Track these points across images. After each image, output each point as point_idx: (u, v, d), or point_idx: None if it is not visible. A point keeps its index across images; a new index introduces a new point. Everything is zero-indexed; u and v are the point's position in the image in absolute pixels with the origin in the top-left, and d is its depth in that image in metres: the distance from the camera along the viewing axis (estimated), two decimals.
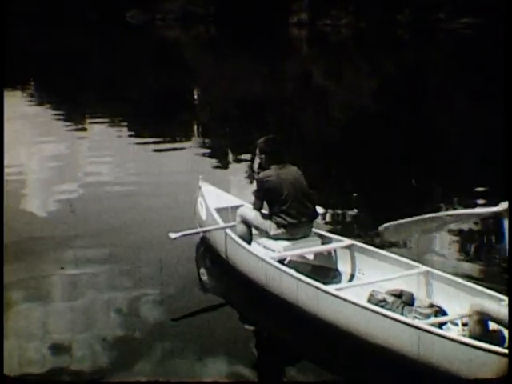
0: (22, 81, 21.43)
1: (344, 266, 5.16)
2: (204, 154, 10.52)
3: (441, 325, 4.09)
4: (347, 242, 5.17)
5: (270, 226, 5.19)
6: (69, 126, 13.18)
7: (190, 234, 5.67)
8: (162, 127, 12.70)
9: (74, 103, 16.54)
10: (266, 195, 5.20)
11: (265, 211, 5.31)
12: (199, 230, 5.86)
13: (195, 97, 18.81)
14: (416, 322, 3.90)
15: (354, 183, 8.69)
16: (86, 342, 4.43)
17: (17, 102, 16.28)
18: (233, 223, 5.50)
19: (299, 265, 5.10)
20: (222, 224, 5.55)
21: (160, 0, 62.61)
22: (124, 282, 5.38)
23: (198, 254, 5.98)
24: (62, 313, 4.95)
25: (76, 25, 54.76)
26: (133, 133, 12.48)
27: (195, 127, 13.77)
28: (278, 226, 5.14)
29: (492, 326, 3.84)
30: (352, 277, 5.03)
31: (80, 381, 4.15)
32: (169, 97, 17.73)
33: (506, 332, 3.75)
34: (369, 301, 4.32)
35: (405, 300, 4.34)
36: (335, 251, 5.22)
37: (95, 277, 5.51)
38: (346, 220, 7.27)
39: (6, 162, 9.66)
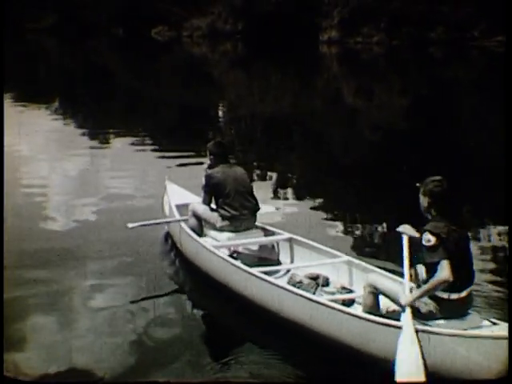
0: (46, 96, 21.82)
1: (284, 257, 5.85)
2: None
3: (349, 304, 4.84)
4: (287, 235, 5.86)
5: (216, 218, 5.94)
6: (92, 140, 13.40)
7: (146, 225, 6.35)
8: (186, 143, 12.83)
9: (99, 119, 16.81)
10: (212, 190, 5.97)
11: (213, 206, 6.05)
12: (154, 221, 6.50)
13: (222, 114, 18.98)
14: (311, 296, 4.64)
15: (382, 202, 8.68)
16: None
17: (41, 117, 16.59)
18: (186, 217, 6.21)
19: (246, 256, 5.80)
20: (178, 217, 6.28)
21: (187, 17, 63.49)
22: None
23: (163, 245, 6.73)
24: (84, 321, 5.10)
25: (102, 41, 55.66)
26: (157, 148, 12.63)
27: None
28: (223, 218, 5.88)
29: (390, 307, 4.56)
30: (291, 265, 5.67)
31: (80, 381, 4.31)
32: (195, 113, 17.92)
33: (405, 315, 4.22)
34: (288, 282, 5.15)
35: (320, 282, 5.18)
36: (277, 243, 5.89)
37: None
38: (373, 237, 7.26)
39: (29, 176, 9.96)
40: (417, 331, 4.05)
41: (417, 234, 4.56)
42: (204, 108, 19.42)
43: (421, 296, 4.22)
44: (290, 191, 9.50)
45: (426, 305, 4.28)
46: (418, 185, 4.56)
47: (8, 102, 20.17)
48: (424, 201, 4.43)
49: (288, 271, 5.49)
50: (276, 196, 9.13)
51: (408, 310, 4.20)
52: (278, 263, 5.82)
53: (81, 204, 8.32)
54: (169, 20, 64.71)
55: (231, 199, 5.87)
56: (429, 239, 4.20)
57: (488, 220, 7.82)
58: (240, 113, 18.62)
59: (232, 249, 5.92)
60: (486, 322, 4.27)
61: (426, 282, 4.25)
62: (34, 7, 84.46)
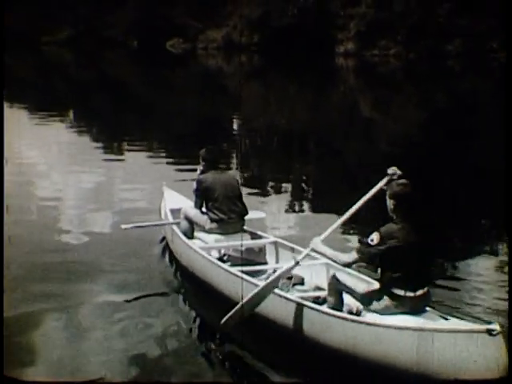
0: (62, 107, 22.04)
1: (270, 259, 6.20)
2: (244, 184, 10.65)
3: (322, 303, 5.07)
4: (273, 238, 6.28)
5: (205, 221, 6.29)
6: (106, 153, 13.52)
7: (140, 227, 6.74)
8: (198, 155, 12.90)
9: (113, 131, 16.95)
10: (202, 194, 6.31)
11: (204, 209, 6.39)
12: (147, 223, 6.86)
13: (237, 126, 19.06)
14: (282, 293, 4.95)
15: (419, 223, 8.64)
16: None
17: (56, 129, 16.76)
18: (178, 220, 6.57)
19: (235, 258, 6.11)
20: (171, 221, 6.67)
21: (202, 29, 63.92)
22: None
23: (159, 247, 7.03)
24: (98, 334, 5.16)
25: (117, 53, 56.12)
26: (171, 160, 12.72)
27: (235, 157, 13.94)
28: (212, 221, 6.24)
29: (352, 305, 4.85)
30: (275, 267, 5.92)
31: (80, 381, 4.40)
32: (210, 125, 18.02)
33: (370, 315, 4.60)
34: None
35: (295, 282, 5.53)
36: (264, 247, 6.21)
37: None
38: None
39: (43, 187, 10.06)
40: (378, 325, 4.32)
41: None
42: (219, 120, 19.53)
43: (323, 253, 4.84)
44: (305, 203, 9.53)
45: (383, 300, 4.59)
46: (385, 187, 4.92)
47: (24, 114, 20.42)
48: (389, 203, 4.69)
49: (274, 271, 5.69)
50: (291, 208, 9.16)
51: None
52: (265, 264, 6.14)
53: (94, 216, 8.38)
54: (184, 32, 65.18)
55: (220, 203, 6.22)
56: (372, 239, 4.54)
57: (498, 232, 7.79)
58: (256, 125, 18.70)
59: (223, 251, 6.26)
60: (440, 319, 4.50)
61: (377, 279, 4.69)
62: (49, 20, 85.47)
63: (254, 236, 6.39)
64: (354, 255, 4.64)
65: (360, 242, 4.74)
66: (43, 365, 4.76)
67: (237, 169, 12.28)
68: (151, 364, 4.69)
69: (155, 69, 42.05)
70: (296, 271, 5.51)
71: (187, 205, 6.78)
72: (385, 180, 5.22)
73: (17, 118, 19.38)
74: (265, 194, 10.13)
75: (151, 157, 13.07)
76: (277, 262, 6.15)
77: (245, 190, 10.03)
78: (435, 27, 43.69)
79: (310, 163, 12.80)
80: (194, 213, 6.44)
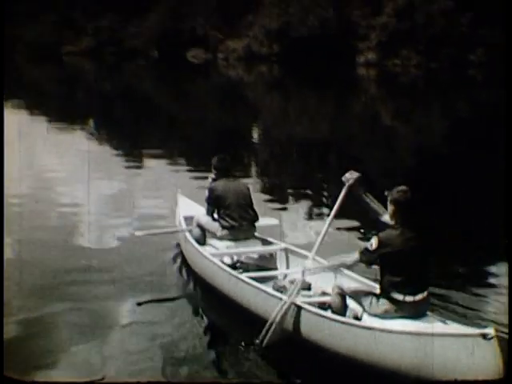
0: (82, 117, 22.26)
1: (281, 264, 6.32)
2: (263, 192, 10.67)
3: (327, 308, 5.12)
4: (283, 245, 6.40)
5: (217, 228, 6.47)
6: (127, 162, 13.62)
7: (153, 234, 7.02)
8: None
9: (134, 140, 17.07)
10: (214, 201, 6.48)
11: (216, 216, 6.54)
12: (160, 231, 7.14)
13: (257, 136, 19.11)
14: (283, 297, 5.06)
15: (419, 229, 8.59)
16: None
17: (77, 138, 16.92)
18: (190, 227, 6.78)
19: (247, 264, 6.26)
20: (184, 227, 6.87)
21: (223, 39, 64.26)
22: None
23: (173, 252, 7.19)
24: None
25: (138, 63, 56.53)
26: (192, 169, 12.77)
27: (255, 166, 13.98)
28: (223, 228, 6.40)
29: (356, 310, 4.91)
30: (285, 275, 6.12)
31: (80, 381, 4.50)
32: (230, 135, 18.09)
33: (369, 319, 4.71)
34: (273, 287, 5.63)
35: (302, 287, 5.45)
36: (275, 253, 6.34)
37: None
38: None
39: (64, 196, 10.16)
40: (374, 329, 4.43)
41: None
42: (239, 130, 19.60)
43: (334, 265, 4.99)
44: (325, 212, 9.51)
45: (383, 305, 4.70)
46: (386, 193, 4.96)
47: (45, 123, 20.66)
48: (390, 209, 4.85)
49: (285, 276, 5.98)
50: (310, 216, 9.16)
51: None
52: (276, 270, 6.31)
53: (114, 224, 8.45)
54: (205, 43, 65.58)
55: (231, 211, 6.39)
56: (372, 243, 4.68)
57: None
58: (276, 135, 18.74)
59: (235, 258, 6.36)
60: (439, 323, 4.59)
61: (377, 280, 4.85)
62: (70, 30, 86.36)
63: (265, 242, 6.53)
64: (356, 257, 4.80)
65: (364, 249, 4.81)
66: (32, 352, 4.94)
67: (257, 177, 12.32)
68: (156, 365, 4.79)
69: (176, 79, 42.31)
70: (310, 278, 5.66)
71: (200, 212, 6.94)
72: (345, 189, 5.32)
73: (38, 126, 19.63)
74: (284, 202, 10.15)
75: (171, 165, 13.14)
76: (287, 267, 6.30)
77: (264, 198, 10.11)
78: (457, 37, 43.53)
79: (329, 173, 12.78)
80: (205, 220, 6.63)
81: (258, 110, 26.15)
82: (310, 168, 13.17)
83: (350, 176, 5.30)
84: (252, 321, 5.30)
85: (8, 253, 6.90)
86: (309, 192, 10.72)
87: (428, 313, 4.71)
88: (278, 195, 10.61)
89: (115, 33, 79.31)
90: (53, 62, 59.43)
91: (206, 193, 6.61)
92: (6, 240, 7.48)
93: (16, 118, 21.58)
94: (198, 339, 5.21)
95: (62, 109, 26.14)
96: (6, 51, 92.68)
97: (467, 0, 42.62)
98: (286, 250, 6.35)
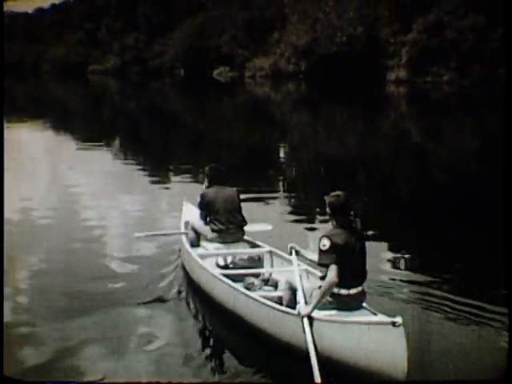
0: (108, 136, 22.56)
1: (266, 265, 6.96)
2: (290, 212, 10.72)
3: (280, 302, 5.69)
4: (268, 248, 7.04)
5: (208, 231, 7.16)
6: (152, 180, 13.77)
7: (152, 235, 7.85)
8: (248, 183, 13.02)
9: (159, 158, 17.25)
10: (205, 207, 7.20)
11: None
12: (158, 232, 8.02)
13: (284, 154, 19.18)
14: (245, 291, 5.80)
15: (447, 246, 8.57)
16: None
17: (103, 156, 17.16)
18: (186, 231, 7.54)
19: (238, 265, 6.87)
20: (182, 231, 7.64)
21: (250, 57, 64.75)
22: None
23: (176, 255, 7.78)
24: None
25: (164, 81, 57.07)
26: None
27: (282, 184, 14.03)
28: (213, 231, 7.12)
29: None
30: (270, 273, 6.68)
31: (80, 381, 4.66)
32: (257, 153, 18.20)
33: (305, 325, 5.02)
34: (243, 285, 6.23)
35: (271, 284, 6.40)
36: (262, 255, 6.99)
37: None
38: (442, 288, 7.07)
39: (88, 213, 10.31)
40: (312, 318, 4.97)
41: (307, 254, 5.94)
42: (266, 148, 19.70)
43: (317, 304, 5.05)
44: None
45: None
46: (325, 197, 5.46)
47: (72, 142, 20.98)
48: (327, 212, 5.39)
49: (270, 274, 6.60)
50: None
51: (306, 321, 4.99)
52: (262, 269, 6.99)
53: (137, 242, 8.52)
54: (231, 61, 66.14)
55: (219, 215, 7.09)
56: (324, 244, 5.15)
57: None
58: (303, 153, 18.79)
59: (229, 259, 6.99)
60: (370, 314, 5.16)
61: (322, 278, 5.25)
62: (96, 49, 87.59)
63: (253, 245, 7.24)
64: (331, 269, 5.12)
65: (319, 251, 5.25)
66: (32, 352, 5.15)
67: (284, 197, 12.36)
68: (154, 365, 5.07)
69: (202, 97, 42.67)
70: (276, 275, 6.52)
71: (195, 217, 7.57)
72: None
73: (65, 144, 19.95)
74: (311, 221, 10.15)
75: (198, 183, 13.24)
76: (271, 267, 6.93)
77: (291, 217, 10.14)
78: (489, 52, 43.38)
79: (358, 191, 12.78)
80: (198, 224, 7.33)
81: (285, 128, 26.26)
82: (339, 186, 13.16)
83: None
84: (228, 315, 5.90)
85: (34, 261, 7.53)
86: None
87: (364, 306, 5.25)
88: (305, 214, 10.63)
89: (140, 51, 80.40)
90: (78, 80, 60.27)
91: (199, 199, 7.29)
92: (33, 249, 8.09)
93: (42, 136, 21.99)
94: (188, 339, 5.58)
95: (87, 127, 26.53)
96: (32, 70, 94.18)
97: (498, 15, 42.51)
98: (271, 253, 6.98)
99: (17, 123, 26.57)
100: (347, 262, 5.09)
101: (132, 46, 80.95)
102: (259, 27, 65.34)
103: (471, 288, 6.83)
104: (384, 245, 8.66)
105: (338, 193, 5.44)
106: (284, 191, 13.10)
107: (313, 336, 4.89)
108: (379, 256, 8.03)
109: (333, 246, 5.10)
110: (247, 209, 10.29)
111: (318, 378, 4.58)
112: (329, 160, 17.12)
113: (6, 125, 24.90)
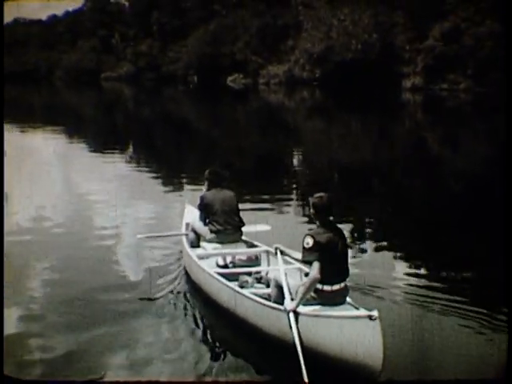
0: (122, 143, 22.70)
1: (263, 264, 7.27)
2: (303, 221, 10.73)
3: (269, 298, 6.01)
4: (265, 247, 7.32)
5: (207, 232, 7.44)
6: (165, 188, 13.84)
7: (153, 237, 8.18)
8: (261, 191, 13.06)
9: (173, 165, 17.34)
10: (204, 208, 7.50)
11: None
12: (159, 234, 8.34)
13: (298, 161, 19.22)
14: (236, 288, 6.13)
15: (464, 256, 8.56)
16: None
17: (116, 163, 17.26)
18: (187, 232, 7.84)
19: (237, 264, 7.20)
20: (183, 232, 7.99)
21: (264, 64, 64.87)
22: None
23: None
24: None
25: (177, 88, 57.26)
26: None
27: (295, 191, 14.06)
28: (211, 231, 7.40)
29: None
30: (267, 272, 6.96)
31: (80, 381, 4.71)
32: (271, 161, 18.24)
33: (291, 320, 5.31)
34: (239, 282, 6.60)
35: (263, 281, 6.71)
36: (260, 255, 7.31)
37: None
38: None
39: (102, 220, 10.38)
40: (297, 313, 5.27)
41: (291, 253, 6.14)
42: (280, 155, 19.73)
43: (301, 299, 5.33)
44: (367, 241, 9.52)
45: None
46: (309, 199, 5.71)
47: (85, 148, 21.13)
48: (311, 212, 5.67)
49: (267, 273, 6.88)
50: (351, 244, 9.17)
51: (291, 316, 5.28)
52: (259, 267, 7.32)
53: (150, 249, 8.57)
54: (245, 68, 66.29)
55: (217, 216, 7.37)
56: (307, 242, 5.43)
57: None
58: (317, 160, 18.81)
59: (229, 259, 7.29)
60: (352, 309, 5.43)
61: (307, 275, 5.50)
62: (110, 56, 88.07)
63: (251, 245, 7.55)
64: (314, 266, 5.38)
65: (302, 249, 5.52)
66: (32, 352, 5.24)
67: (297, 205, 12.36)
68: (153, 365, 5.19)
69: (216, 104, 42.81)
70: (270, 274, 6.68)
71: (195, 218, 7.81)
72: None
73: (78, 151, 20.09)
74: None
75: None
76: (268, 265, 7.22)
77: (305, 227, 10.14)
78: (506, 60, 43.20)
79: (372, 199, 12.79)
80: (198, 225, 7.62)
81: (300, 135, 26.30)
82: (352, 195, 13.18)
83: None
84: (224, 312, 6.20)
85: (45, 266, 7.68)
86: (351, 218, 10.74)
87: (348, 301, 5.54)
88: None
89: (154, 58, 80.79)
90: (92, 87, 60.63)
91: (198, 201, 7.57)
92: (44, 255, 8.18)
93: (56, 143, 22.14)
94: (188, 339, 5.77)
95: (101, 133, 26.70)
96: (46, 77, 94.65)
97: None
98: (268, 252, 7.24)
99: (30, 129, 26.81)
100: (330, 260, 5.39)
101: (146, 53, 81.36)
102: (273, 34, 65.46)
103: (477, 293, 6.91)
104: (396, 251, 8.69)
105: (322, 194, 5.70)
106: (297, 198, 13.12)
107: (298, 330, 5.18)
108: (390, 262, 8.07)
109: (316, 244, 5.38)
110: (260, 215, 10.38)
111: (305, 376, 4.82)
112: (343, 167, 17.14)
113: (20, 131, 25.21)
